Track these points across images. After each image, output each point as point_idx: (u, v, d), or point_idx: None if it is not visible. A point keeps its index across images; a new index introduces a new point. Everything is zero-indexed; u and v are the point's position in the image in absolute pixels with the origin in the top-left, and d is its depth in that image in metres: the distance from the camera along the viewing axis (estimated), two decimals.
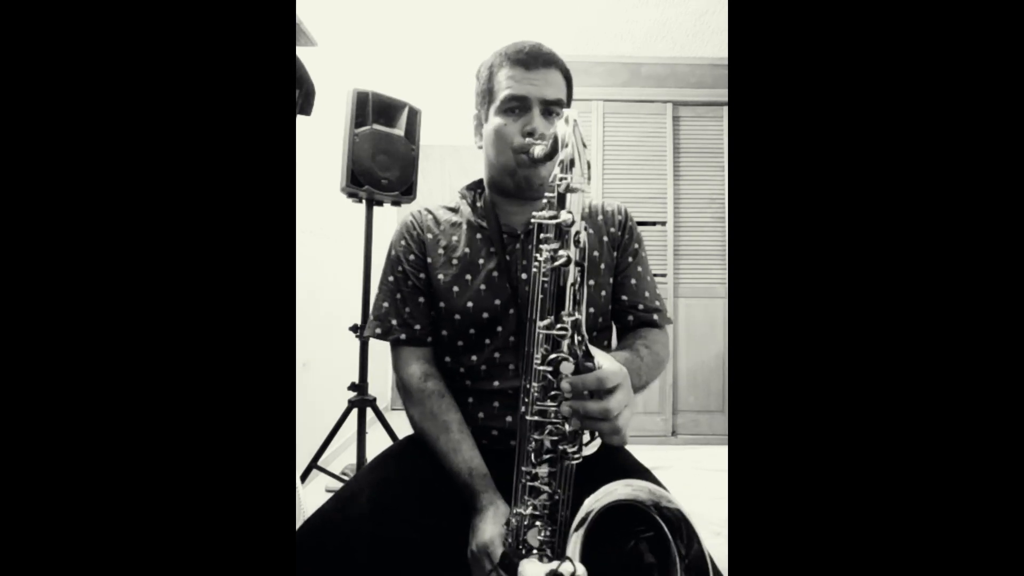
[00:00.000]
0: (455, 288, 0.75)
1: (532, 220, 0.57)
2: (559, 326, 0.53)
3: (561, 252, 0.53)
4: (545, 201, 0.55)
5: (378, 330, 0.78)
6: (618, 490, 0.49)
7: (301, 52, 1.39)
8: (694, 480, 1.97)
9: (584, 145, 0.54)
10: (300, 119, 1.30)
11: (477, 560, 0.60)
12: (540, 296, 0.55)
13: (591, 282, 0.77)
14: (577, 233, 0.53)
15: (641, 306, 0.78)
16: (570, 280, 0.52)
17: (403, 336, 0.76)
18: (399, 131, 1.64)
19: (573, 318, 0.53)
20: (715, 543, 0.60)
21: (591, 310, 0.76)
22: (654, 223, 2.54)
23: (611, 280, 0.79)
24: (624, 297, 0.79)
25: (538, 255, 0.56)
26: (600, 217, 0.82)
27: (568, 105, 0.77)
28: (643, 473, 0.72)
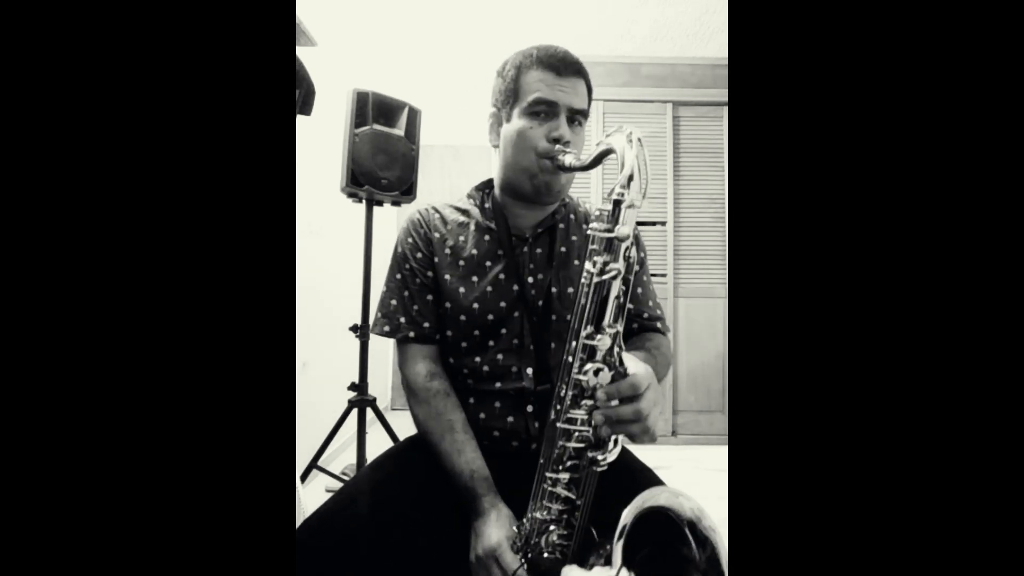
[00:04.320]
0: (461, 289, 0.74)
1: (588, 231, 0.56)
2: (599, 336, 0.54)
3: (612, 265, 0.53)
4: (598, 212, 0.56)
5: (386, 328, 0.76)
6: (660, 496, 0.50)
7: (301, 52, 1.39)
8: (694, 480, 1.97)
9: (645, 163, 0.55)
10: (300, 119, 1.30)
11: (483, 564, 0.59)
12: (583, 304, 0.56)
13: None
14: (628, 248, 0.54)
15: (646, 314, 0.80)
16: (614, 293, 0.54)
17: (411, 334, 0.75)
18: (399, 131, 1.64)
19: (614, 330, 0.54)
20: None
21: None
22: (654, 223, 2.54)
23: None
24: (630, 305, 0.78)
25: (591, 266, 0.55)
26: None
27: (587, 116, 0.77)
28: (645, 472, 0.72)
